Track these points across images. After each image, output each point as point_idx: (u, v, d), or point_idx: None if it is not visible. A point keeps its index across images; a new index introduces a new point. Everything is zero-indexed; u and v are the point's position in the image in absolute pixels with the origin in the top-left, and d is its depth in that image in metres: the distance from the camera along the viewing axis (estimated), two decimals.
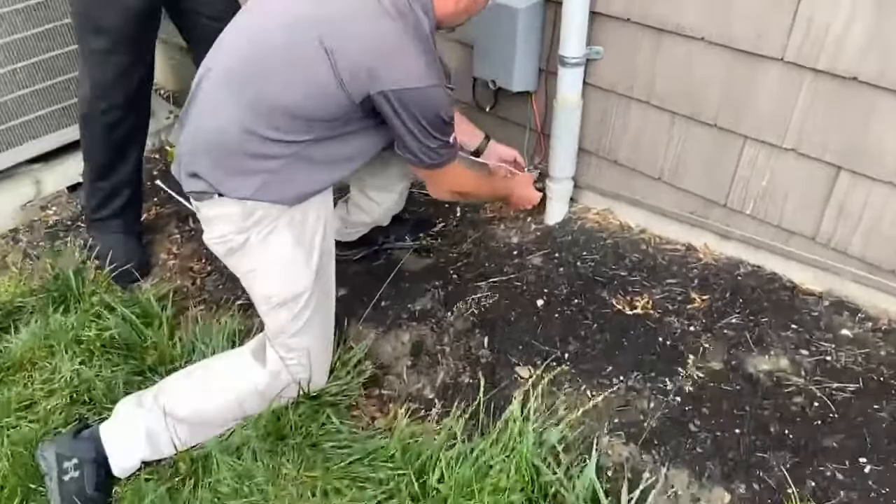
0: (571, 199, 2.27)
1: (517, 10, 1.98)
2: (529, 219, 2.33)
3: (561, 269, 2.09)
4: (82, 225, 2.54)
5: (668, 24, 1.80)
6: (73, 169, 2.68)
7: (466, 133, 2.12)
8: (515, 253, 2.19)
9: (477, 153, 2.19)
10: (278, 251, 1.65)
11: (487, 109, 2.37)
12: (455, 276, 2.14)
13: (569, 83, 2.00)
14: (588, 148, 2.18)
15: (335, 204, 2.15)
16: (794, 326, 1.79)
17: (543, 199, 2.20)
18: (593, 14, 1.91)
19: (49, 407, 1.83)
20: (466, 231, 2.32)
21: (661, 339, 1.81)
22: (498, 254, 2.20)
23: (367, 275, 2.19)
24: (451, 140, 1.65)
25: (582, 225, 2.25)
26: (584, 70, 1.99)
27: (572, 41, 1.92)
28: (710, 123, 1.85)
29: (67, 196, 2.74)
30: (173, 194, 1.82)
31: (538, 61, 2.14)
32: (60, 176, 2.74)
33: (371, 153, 1.72)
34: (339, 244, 2.22)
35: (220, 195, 1.58)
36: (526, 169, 2.30)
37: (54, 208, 2.68)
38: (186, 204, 1.72)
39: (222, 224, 1.63)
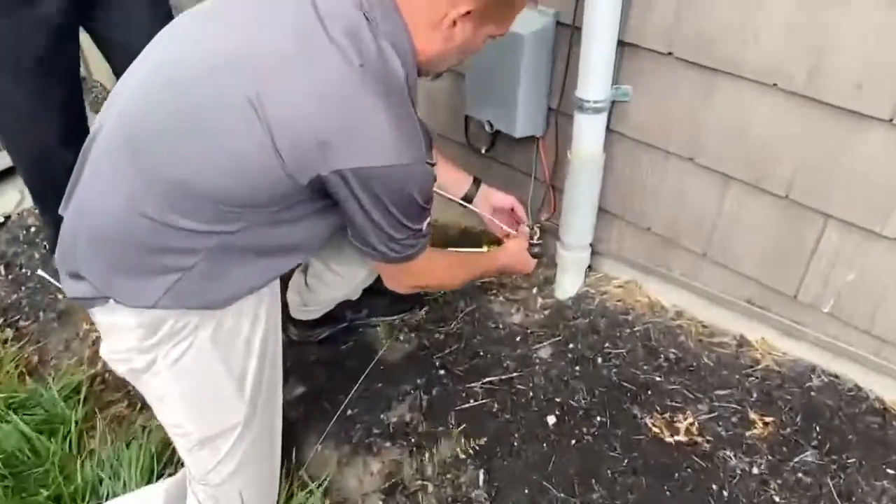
0: (588, 266, 1.82)
1: (522, 38, 1.51)
2: (535, 290, 1.87)
3: (577, 367, 1.63)
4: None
5: (726, 62, 1.33)
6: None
7: (451, 177, 1.67)
8: (518, 339, 1.74)
9: (466, 199, 1.74)
10: (198, 377, 1.20)
11: (483, 151, 1.90)
12: (442, 370, 1.68)
13: (588, 133, 1.54)
14: (611, 209, 1.72)
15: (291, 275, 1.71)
16: (890, 472, 1.35)
17: (544, 263, 1.75)
18: (622, 45, 1.44)
19: None
20: (456, 303, 1.87)
21: (714, 485, 1.36)
22: (496, 339, 1.75)
23: (330, 366, 1.73)
24: (423, 228, 1.21)
25: (602, 303, 1.79)
26: (608, 115, 1.52)
27: (594, 80, 1.45)
28: (780, 195, 1.39)
29: None
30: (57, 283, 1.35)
31: (547, 100, 1.67)
32: None
33: (326, 237, 1.26)
34: (297, 322, 1.78)
35: (117, 301, 1.13)
36: (528, 225, 1.85)
37: None
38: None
39: (121, 337, 1.17)
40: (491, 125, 1.72)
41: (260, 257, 1.18)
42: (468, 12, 1.11)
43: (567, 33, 1.52)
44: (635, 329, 1.70)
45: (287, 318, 1.76)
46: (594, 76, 1.44)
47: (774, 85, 1.29)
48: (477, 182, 1.73)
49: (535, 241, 1.73)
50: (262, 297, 1.23)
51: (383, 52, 1.08)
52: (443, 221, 2.11)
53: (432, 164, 1.19)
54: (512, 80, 1.58)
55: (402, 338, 1.78)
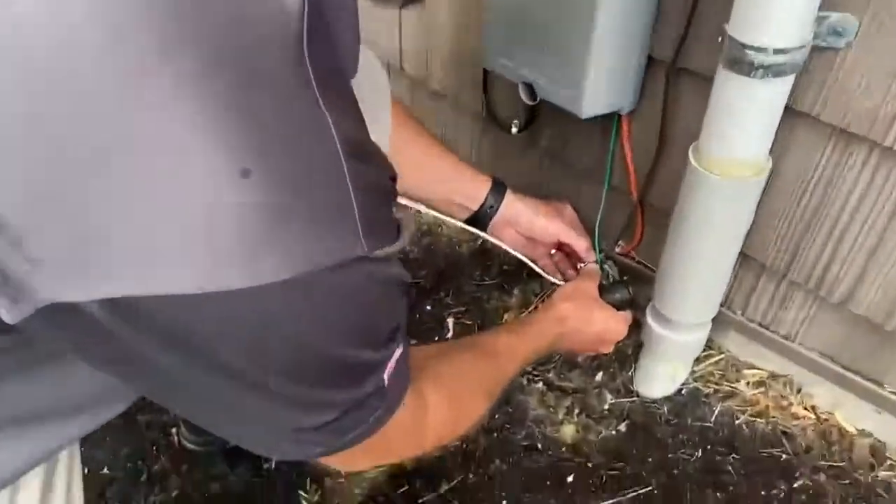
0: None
1: None
2: (601, 374, 1.08)
3: None
4: None
5: None
6: None
7: (453, 180, 0.95)
8: (571, 480, 0.96)
9: (477, 220, 0.95)
10: None
11: (514, 130, 1.08)
12: None
13: (746, 115, 0.70)
14: (759, 257, 0.90)
15: None
16: None
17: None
18: None
19: None
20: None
21: None
22: (530, 475, 0.97)
23: None
24: (383, 382, 0.52)
25: (727, 416, 0.99)
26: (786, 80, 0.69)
27: (782, 3, 0.62)
28: None
29: None
30: None
31: (646, 49, 0.84)
32: None
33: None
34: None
35: None
36: (598, 260, 1.06)
37: None
38: None
39: None
40: (533, 92, 0.89)
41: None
42: None
43: None
44: (797, 483, 0.91)
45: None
46: None
47: None
48: (499, 189, 0.94)
49: (612, 285, 0.96)
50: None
51: None
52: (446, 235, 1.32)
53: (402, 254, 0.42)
54: (580, 11, 0.75)
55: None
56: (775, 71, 0.65)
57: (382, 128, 0.77)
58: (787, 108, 0.72)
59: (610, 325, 0.91)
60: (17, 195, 0.32)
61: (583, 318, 0.89)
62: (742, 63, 0.66)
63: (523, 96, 0.89)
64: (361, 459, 0.59)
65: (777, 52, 0.64)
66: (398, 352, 0.52)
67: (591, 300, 0.91)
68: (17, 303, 0.33)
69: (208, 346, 0.38)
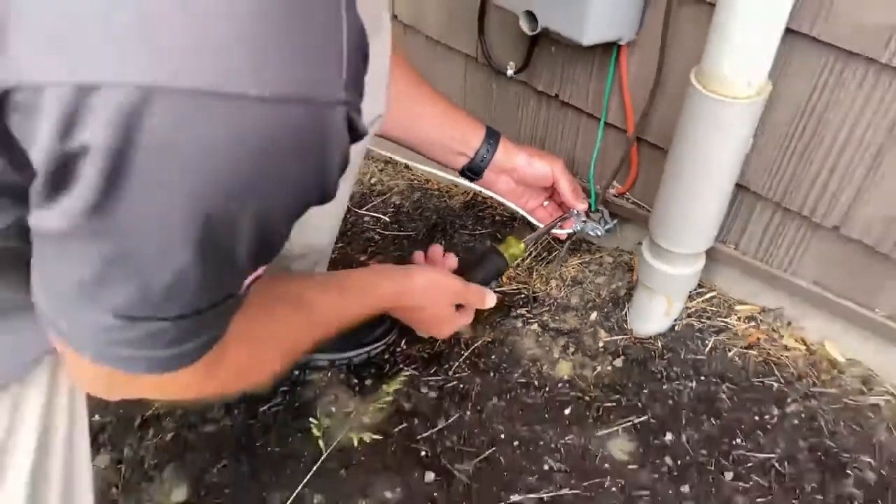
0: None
1: None
2: (595, 314, 1.09)
3: (686, 486, 0.88)
4: None
5: None
6: None
7: (446, 126, 0.94)
8: (569, 412, 0.97)
9: (473, 172, 0.96)
10: None
11: (509, 72, 1.08)
12: (432, 473, 0.92)
13: (747, 34, 0.72)
14: (753, 187, 0.91)
15: None
16: None
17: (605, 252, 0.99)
18: None
19: None
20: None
21: None
22: (528, 408, 0.98)
23: (243, 450, 0.97)
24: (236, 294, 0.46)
25: (720, 349, 1.01)
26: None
27: None
28: None
29: None
30: None
31: None
32: None
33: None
34: None
35: None
36: (592, 206, 1.07)
37: None
38: None
39: None
40: (534, 20, 0.89)
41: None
42: None
43: None
44: (789, 409, 0.93)
45: None
46: None
47: None
48: (493, 137, 0.94)
49: (588, 224, 0.98)
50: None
51: None
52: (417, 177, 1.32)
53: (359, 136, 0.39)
54: None
55: (365, 399, 1.01)
56: None
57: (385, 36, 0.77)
58: (786, 31, 0.73)
59: (444, 319, 0.91)
60: None
61: (426, 303, 0.88)
62: None
63: (523, 25, 0.90)
64: (144, 389, 0.52)
65: None
66: (263, 268, 0.46)
67: (443, 295, 0.89)
68: None
69: (163, 157, 0.33)
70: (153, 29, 0.30)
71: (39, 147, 0.32)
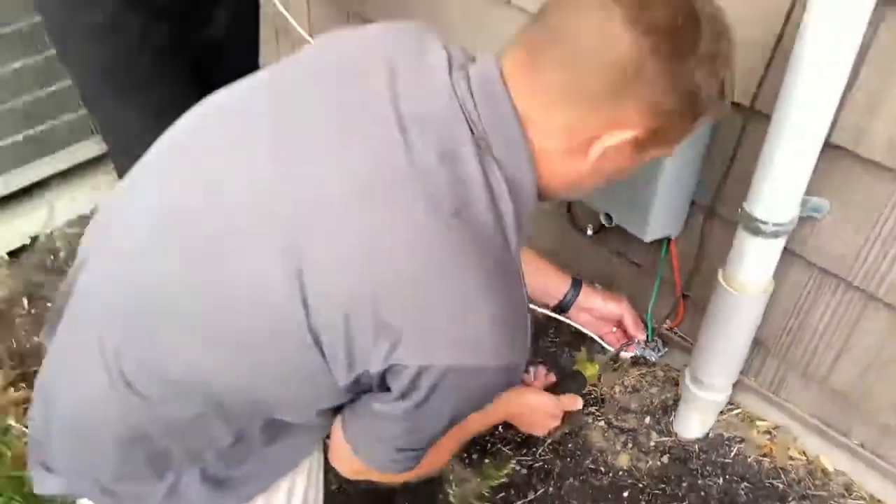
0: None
1: None
2: (648, 418, 1.45)
3: None
4: None
5: None
6: None
7: (543, 279, 1.29)
8: (627, 495, 1.33)
9: (561, 309, 1.33)
10: None
11: (589, 233, 1.47)
12: None
13: (756, 260, 1.09)
14: (768, 342, 1.27)
15: None
16: None
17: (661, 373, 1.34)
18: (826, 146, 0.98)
19: None
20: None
21: None
22: (596, 489, 1.34)
23: None
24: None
25: (741, 455, 1.35)
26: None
27: (779, 195, 1.00)
28: None
29: None
30: None
31: (692, 195, 1.22)
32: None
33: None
34: None
35: None
36: (649, 338, 1.42)
37: None
38: None
39: None
40: (610, 219, 1.28)
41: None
42: (634, 139, 0.70)
43: (739, 117, 1.07)
44: (789, 502, 1.27)
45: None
46: (781, 189, 0.99)
47: None
48: (577, 285, 1.31)
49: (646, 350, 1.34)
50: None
51: (492, 192, 0.69)
52: None
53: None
54: (649, 171, 1.14)
55: (466, 473, 1.39)
56: (774, 233, 1.03)
57: None
58: (785, 249, 1.10)
59: (538, 424, 1.24)
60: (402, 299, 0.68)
61: (528, 414, 1.22)
62: (754, 228, 1.03)
63: (603, 220, 1.29)
64: (370, 475, 0.89)
65: (777, 224, 1.02)
66: None
67: (540, 410, 1.22)
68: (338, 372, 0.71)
69: (448, 391, 0.71)
70: (459, 334, 0.69)
71: (399, 385, 0.71)
